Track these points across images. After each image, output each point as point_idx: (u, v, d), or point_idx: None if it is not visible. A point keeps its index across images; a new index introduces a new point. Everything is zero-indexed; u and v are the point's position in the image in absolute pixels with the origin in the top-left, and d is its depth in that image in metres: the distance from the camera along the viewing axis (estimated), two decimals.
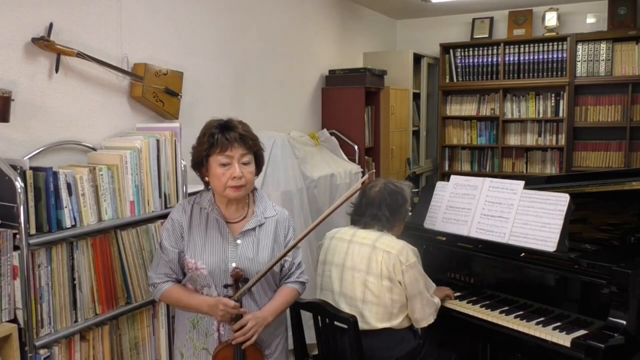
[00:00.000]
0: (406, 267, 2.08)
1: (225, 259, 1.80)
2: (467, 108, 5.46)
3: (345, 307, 2.16)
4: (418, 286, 2.11)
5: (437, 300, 2.21)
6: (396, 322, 2.12)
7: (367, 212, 2.25)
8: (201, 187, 2.75)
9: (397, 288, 2.09)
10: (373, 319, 2.12)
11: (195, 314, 1.84)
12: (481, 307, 2.34)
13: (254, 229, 1.87)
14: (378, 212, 2.23)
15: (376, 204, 2.24)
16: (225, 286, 1.78)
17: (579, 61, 4.86)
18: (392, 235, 2.23)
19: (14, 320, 1.83)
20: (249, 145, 1.79)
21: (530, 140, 5.18)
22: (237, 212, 1.88)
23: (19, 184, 1.78)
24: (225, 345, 1.78)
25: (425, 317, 2.14)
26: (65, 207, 1.96)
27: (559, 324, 2.14)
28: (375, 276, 2.11)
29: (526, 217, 2.36)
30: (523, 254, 2.32)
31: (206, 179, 1.85)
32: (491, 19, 5.37)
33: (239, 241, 1.83)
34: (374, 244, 2.14)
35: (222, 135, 1.75)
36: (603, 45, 4.77)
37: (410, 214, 2.87)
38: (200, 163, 1.82)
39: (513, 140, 5.27)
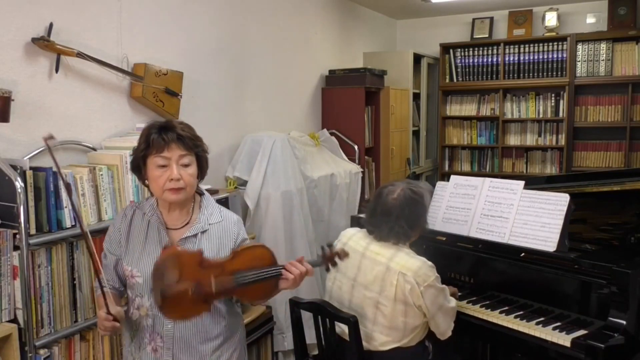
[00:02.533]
0: (425, 288, 1.96)
1: None
2: (467, 108, 5.46)
3: None
4: (438, 302, 2.01)
5: (453, 303, 2.11)
6: (405, 340, 2.04)
7: (382, 224, 2.06)
8: (201, 187, 2.75)
9: (412, 311, 1.99)
10: (382, 341, 2.04)
11: (132, 326, 1.75)
12: (481, 307, 2.34)
13: (195, 235, 1.73)
14: (395, 226, 2.04)
15: (393, 216, 2.04)
16: None
17: (579, 61, 4.86)
18: (408, 247, 2.10)
19: (14, 320, 1.83)
20: (189, 145, 1.68)
21: (530, 140, 5.18)
22: (180, 218, 1.76)
23: (19, 184, 1.78)
24: None
25: (449, 326, 2.07)
26: (65, 207, 1.96)
27: (559, 324, 2.14)
28: (389, 299, 1.99)
29: (526, 217, 2.36)
30: (523, 254, 2.32)
31: (146, 182, 1.73)
32: (491, 19, 5.37)
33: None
34: (388, 263, 2.01)
35: (159, 136, 1.64)
36: (603, 45, 4.77)
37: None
38: (137, 166, 1.71)
39: (513, 140, 5.27)
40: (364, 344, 2.05)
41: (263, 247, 1.71)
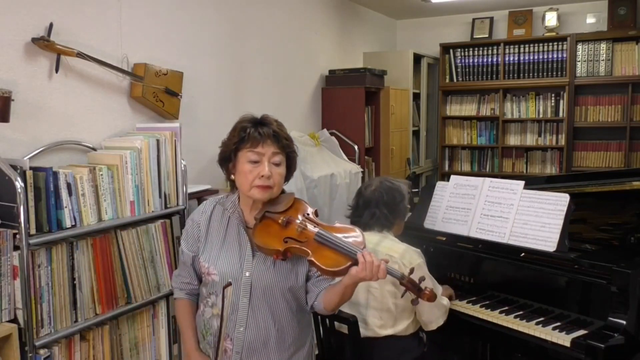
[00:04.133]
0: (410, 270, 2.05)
1: (239, 268, 1.66)
2: (467, 108, 5.46)
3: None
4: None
5: (445, 301, 2.17)
6: (400, 327, 2.09)
7: (365, 212, 2.21)
8: (201, 187, 2.75)
9: (400, 293, 2.06)
10: (376, 325, 2.09)
11: (204, 324, 1.75)
12: (481, 307, 2.34)
13: None
14: (376, 211, 2.19)
15: (373, 203, 2.20)
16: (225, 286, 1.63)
17: (579, 61, 4.86)
18: (393, 235, 2.20)
19: (14, 320, 1.83)
20: (282, 144, 1.66)
21: (530, 140, 5.19)
22: None
23: (19, 184, 1.78)
24: None
25: (433, 319, 2.11)
26: (65, 207, 1.96)
27: (558, 324, 2.14)
28: (377, 281, 2.07)
29: (526, 217, 2.36)
30: (523, 254, 2.32)
31: (232, 177, 1.70)
32: (491, 19, 5.37)
33: (257, 251, 1.67)
34: (375, 247, 2.11)
35: (255, 130, 1.63)
36: (603, 45, 4.77)
37: (410, 213, 2.87)
38: (227, 158, 1.68)
39: (513, 140, 5.27)
40: (361, 330, 2.09)
41: (359, 230, 1.67)
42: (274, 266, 1.66)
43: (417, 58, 5.29)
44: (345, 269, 1.57)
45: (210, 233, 1.73)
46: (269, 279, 1.65)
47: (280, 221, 1.64)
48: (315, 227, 1.64)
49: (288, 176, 1.74)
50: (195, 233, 1.75)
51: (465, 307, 2.35)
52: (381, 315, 2.08)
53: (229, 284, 1.60)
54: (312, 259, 1.58)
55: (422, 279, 1.63)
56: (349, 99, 4.21)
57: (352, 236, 1.64)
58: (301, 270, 1.69)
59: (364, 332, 2.09)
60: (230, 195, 1.79)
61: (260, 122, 1.67)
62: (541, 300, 2.27)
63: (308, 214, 1.68)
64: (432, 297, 1.61)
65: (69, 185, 1.97)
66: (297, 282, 1.69)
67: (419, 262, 2.07)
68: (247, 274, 1.65)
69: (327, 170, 3.68)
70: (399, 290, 2.03)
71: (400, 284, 1.63)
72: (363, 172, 4.10)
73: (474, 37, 5.40)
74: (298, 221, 1.66)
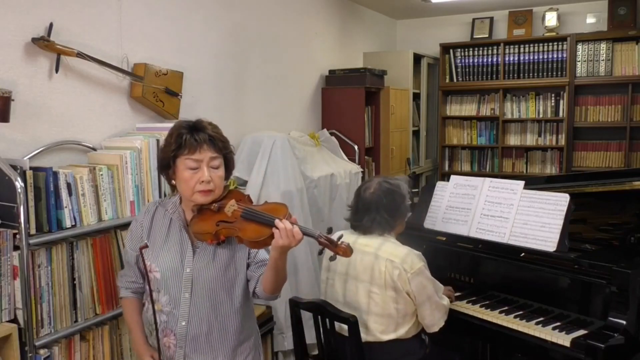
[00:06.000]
0: (412, 275, 2.02)
1: (180, 265, 1.71)
2: (467, 108, 5.46)
3: None
4: (426, 292, 2.06)
5: (445, 301, 2.16)
6: (402, 331, 2.08)
7: (365, 217, 2.16)
8: None
9: (402, 298, 2.05)
10: (378, 331, 2.08)
11: (149, 320, 1.78)
12: (481, 307, 2.34)
13: None
14: (377, 216, 2.14)
15: (373, 207, 2.14)
16: None
17: (579, 61, 4.86)
18: (394, 237, 2.18)
19: (14, 320, 1.83)
20: (219, 147, 1.69)
21: (530, 140, 5.18)
22: None
23: (19, 184, 1.78)
24: None
25: (435, 321, 2.11)
26: (65, 207, 1.96)
27: (558, 324, 2.14)
28: (379, 286, 2.06)
29: (526, 217, 2.36)
30: (523, 254, 2.32)
31: (173, 182, 1.74)
32: (491, 19, 5.37)
33: (198, 248, 1.72)
34: (376, 252, 2.08)
35: (191, 137, 1.65)
36: (603, 45, 4.77)
37: (410, 213, 2.87)
38: (166, 166, 1.71)
39: (513, 140, 5.27)
40: (362, 335, 2.07)
41: (284, 205, 1.70)
42: (213, 261, 1.71)
43: (417, 58, 5.28)
44: (268, 238, 1.61)
45: (152, 232, 1.77)
46: (209, 274, 1.70)
47: (213, 207, 1.70)
48: (245, 207, 1.70)
49: (227, 175, 1.78)
50: (138, 233, 1.79)
51: (465, 307, 2.35)
52: (383, 320, 2.07)
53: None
54: (240, 235, 1.64)
55: (340, 236, 1.65)
56: (349, 99, 4.21)
57: (277, 209, 1.68)
58: (239, 256, 1.74)
59: (364, 337, 2.08)
60: (171, 196, 1.83)
61: (196, 128, 1.69)
62: (541, 300, 2.27)
63: (240, 199, 1.73)
64: (347, 251, 1.59)
65: (69, 185, 1.97)
66: (238, 272, 1.74)
67: (420, 265, 2.06)
68: (188, 270, 1.70)
69: (327, 170, 3.68)
70: (398, 295, 2.03)
71: (318, 243, 1.63)
72: (363, 172, 4.10)
73: (474, 37, 5.40)
74: (229, 204, 1.70)
